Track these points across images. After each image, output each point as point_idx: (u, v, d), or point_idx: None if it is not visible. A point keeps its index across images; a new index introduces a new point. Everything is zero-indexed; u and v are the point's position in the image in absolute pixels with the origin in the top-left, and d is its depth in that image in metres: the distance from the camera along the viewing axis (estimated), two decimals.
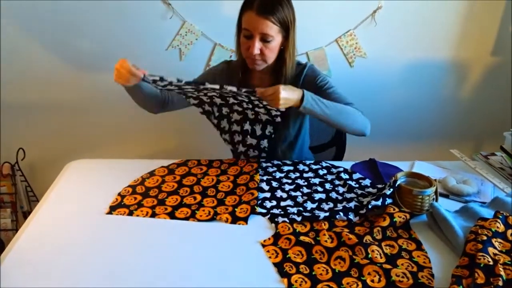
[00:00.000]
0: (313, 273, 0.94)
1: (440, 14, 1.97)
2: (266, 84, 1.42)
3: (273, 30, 1.29)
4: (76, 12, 1.82)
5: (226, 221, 1.12)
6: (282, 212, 1.16)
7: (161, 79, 1.21)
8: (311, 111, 1.28)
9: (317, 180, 1.34)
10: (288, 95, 1.22)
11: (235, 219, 1.13)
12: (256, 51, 1.31)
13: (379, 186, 1.30)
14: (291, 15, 1.33)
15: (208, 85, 1.22)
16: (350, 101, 1.40)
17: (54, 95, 2.00)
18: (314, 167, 1.44)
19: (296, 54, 1.41)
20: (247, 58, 1.37)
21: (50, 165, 2.07)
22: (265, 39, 1.30)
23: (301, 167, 1.43)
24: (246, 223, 1.12)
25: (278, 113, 1.34)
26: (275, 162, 1.46)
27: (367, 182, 1.34)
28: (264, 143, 1.44)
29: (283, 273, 0.94)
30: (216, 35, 1.92)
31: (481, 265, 0.88)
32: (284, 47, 1.37)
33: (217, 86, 1.21)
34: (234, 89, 1.22)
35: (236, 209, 1.17)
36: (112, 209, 1.17)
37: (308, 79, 1.43)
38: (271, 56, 1.36)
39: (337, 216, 1.13)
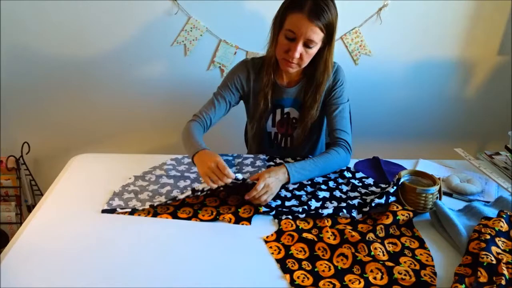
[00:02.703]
0: (316, 269, 0.94)
1: (446, 12, 1.96)
2: (293, 84, 1.43)
3: (318, 37, 1.23)
4: (82, 8, 1.82)
5: (230, 221, 1.12)
6: (287, 211, 1.16)
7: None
8: (299, 181, 1.30)
9: (320, 179, 1.34)
10: (276, 184, 1.19)
11: (238, 219, 1.13)
12: (297, 55, 1.25)
13: (383, 185, 1.30)
14: (336, 20, 1.26)
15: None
16: (345, 129, 1.39)
17: (59, 91, 2.01)
18: None
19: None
20: (282, 59, 1.30)
21: (55, 159, 2.09)
22: (307, 45, 1.24)
23: None
24: (250, 223, 1.12)
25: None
26: (278, 161, 1.46)
27: (370, 181, 1.34)
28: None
29: (285, 269, 0.94)
30: (221, 31, 1.92)
31: (484, 264, 0.88)
32: (323, 52, 1.31)
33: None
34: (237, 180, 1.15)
35: (239, 210, 1.16)
36: (113, 210, 1.16)
37: (331, 84, 1.41)
38: (307, 62, 1.31)
39: (340, 214, 1.13)
